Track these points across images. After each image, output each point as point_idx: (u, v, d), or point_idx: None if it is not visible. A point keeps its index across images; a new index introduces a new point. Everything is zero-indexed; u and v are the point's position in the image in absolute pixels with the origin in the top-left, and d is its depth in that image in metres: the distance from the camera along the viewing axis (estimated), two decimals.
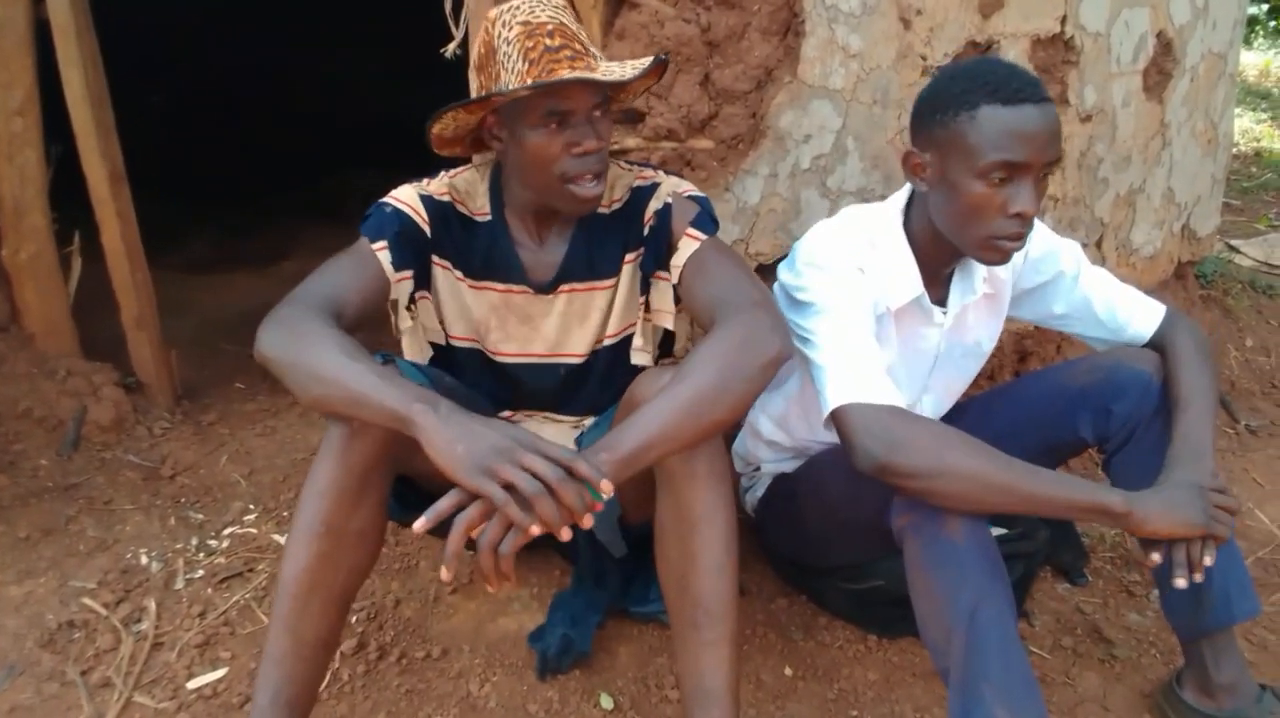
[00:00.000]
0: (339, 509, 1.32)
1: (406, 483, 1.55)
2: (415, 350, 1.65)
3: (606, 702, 1.64)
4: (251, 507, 2.18)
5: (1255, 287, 3.58)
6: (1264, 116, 6.69)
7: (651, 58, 1.42)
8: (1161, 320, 1.61)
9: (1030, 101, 1.35)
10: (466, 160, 1.64)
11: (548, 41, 1.34)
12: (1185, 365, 1.54)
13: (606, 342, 1.63)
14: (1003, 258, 1.44)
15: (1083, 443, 1.62)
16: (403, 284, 1.52)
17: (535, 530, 1.11)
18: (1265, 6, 11.14)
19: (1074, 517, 1.32)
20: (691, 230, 1.50)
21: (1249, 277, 3.67)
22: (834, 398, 1.38)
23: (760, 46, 1.95)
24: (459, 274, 1.59)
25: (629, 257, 1.58)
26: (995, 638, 1.29)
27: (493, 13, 1.38)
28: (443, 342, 1.65)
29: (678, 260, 1.51)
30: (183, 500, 2.21)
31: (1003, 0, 1.95)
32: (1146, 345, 1.61)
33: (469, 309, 1.62)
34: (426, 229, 1.54)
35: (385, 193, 1.54)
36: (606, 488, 1.12)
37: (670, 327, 1.63)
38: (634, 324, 1.62)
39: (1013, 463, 1.32)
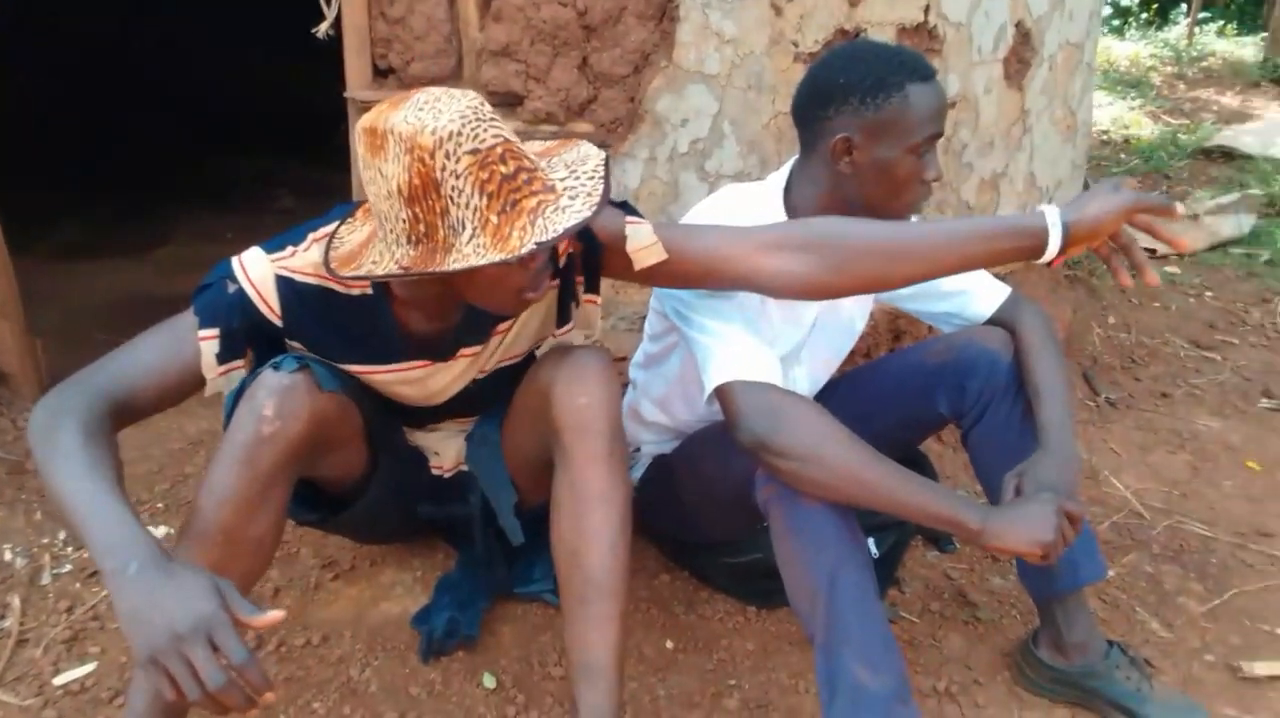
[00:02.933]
0: (238, 518, 1.26)
1: (306, 482, 1.49)
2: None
3: (489, 681, 1.65)
4: None
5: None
6: (1134, 105, 7.01)
7: (601, 155, 1.27)
8: (1005, 299, 1.69)
9: (934, 76, 1.45)
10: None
11: (502, 169, 1.15)
12: (1036, 349, 1.59)
13: (506, 363, 1.55)
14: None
15: (941, 418, 1.68)
16: (234, 374, 1.34)
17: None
18: None
19: (931, 525, 1.37)
20: (630, 219, 1.39)
21: None
22: (716, 375, 1.40)
23: (637, 31, 1.97)
24: (328, 360, 1.41)
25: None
26: (854, 602, 1.35)
27: (422, 138, 1.12)
28: None
29: (635, 246, 1.38)
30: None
31: None
32: (991, 322, 1.68)
33: (348, 375, 1.44)
34: (276, 320, 1.35)
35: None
36: (269, 698, 1.04)
37: (586, 343, 1.56)
38: (523, 352, 1.55)
39: (883, 464, 1.34)
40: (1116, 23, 11.00)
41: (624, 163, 2.02)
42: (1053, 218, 1.29)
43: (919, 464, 1.95)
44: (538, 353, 1.56)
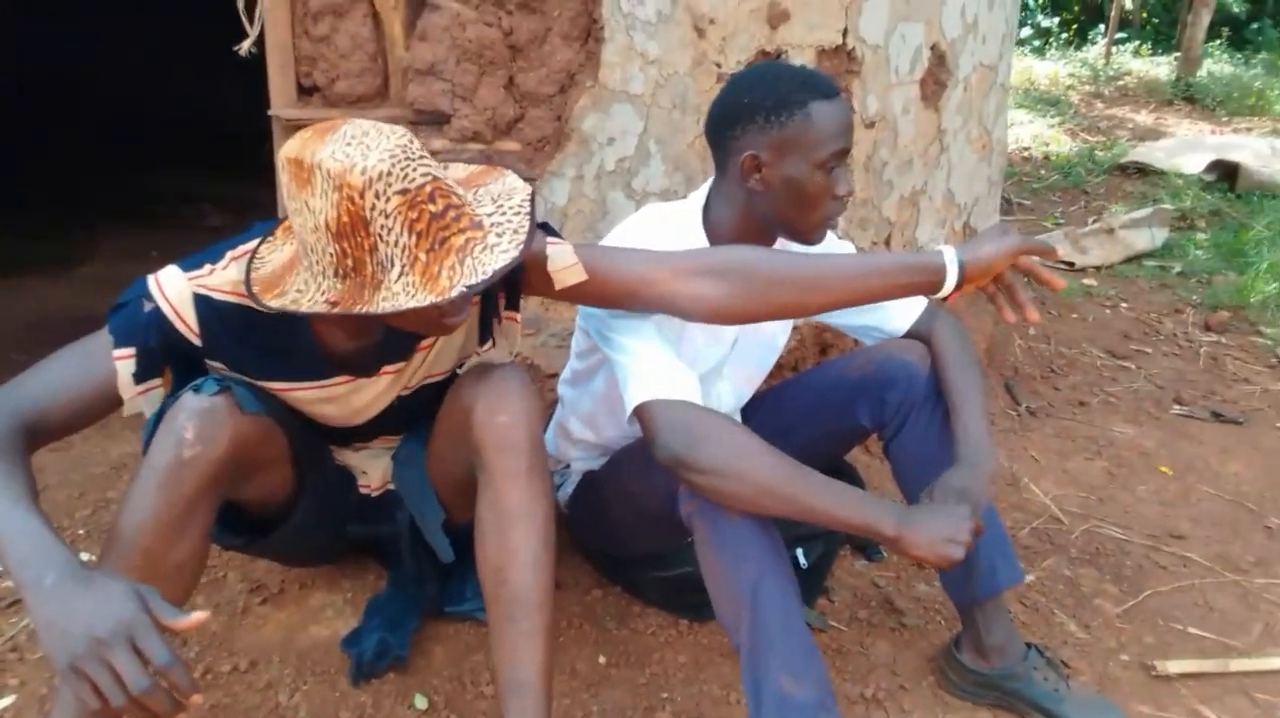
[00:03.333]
0: (159, 543, 1.23)
1: (232, 505, 1.47)
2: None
3: (421, 702, 1.64)
4: None
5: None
6: (1053, 122, 7.25)
7: (527, 189, 1.30)
8: (922, 312, 1.74)
9: (838, 93, 1.49)
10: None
11: (431, 208, 1.16)
12: (951, 359, 1.65)
13: (427, 382, 1.56)
14: (823, 237, 1.57)
15: (863, 429, 1.73)
16: (152, 394, 1.33)
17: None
18: (1057, 20, 12.07)
19: (849, 531, 1.40)
20: (551, 239, 1.41)
21: None
22: (637, 394, 1.42)
23: (562, 51, 2.00)
24: (249, 379, 1.40)
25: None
26: (777, 612, 1.38)
27: (351, 177, 1.12)
28: None
29: (557, 265, 1.39)
30: None
31: (788, 13, 2.06)
32: (909, 334, 1.73)
33: (270, 396, 1.43)
34: (194, 339, 1.33)
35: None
36: (196, 700, 1.04)
37: (506, 361, 1.55)
38: (446, 369, 1.56)
39: (799, 474, 1.36)
40: (1038, 43, 11.36)
41: (551, 181, 2.04)
42: (950, 257, 1.38)
43: (846, 475, 1.99)
44: (460, 371, 1.57)
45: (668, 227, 1.59)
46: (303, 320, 1.37)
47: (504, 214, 1.24)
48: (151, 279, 1.32)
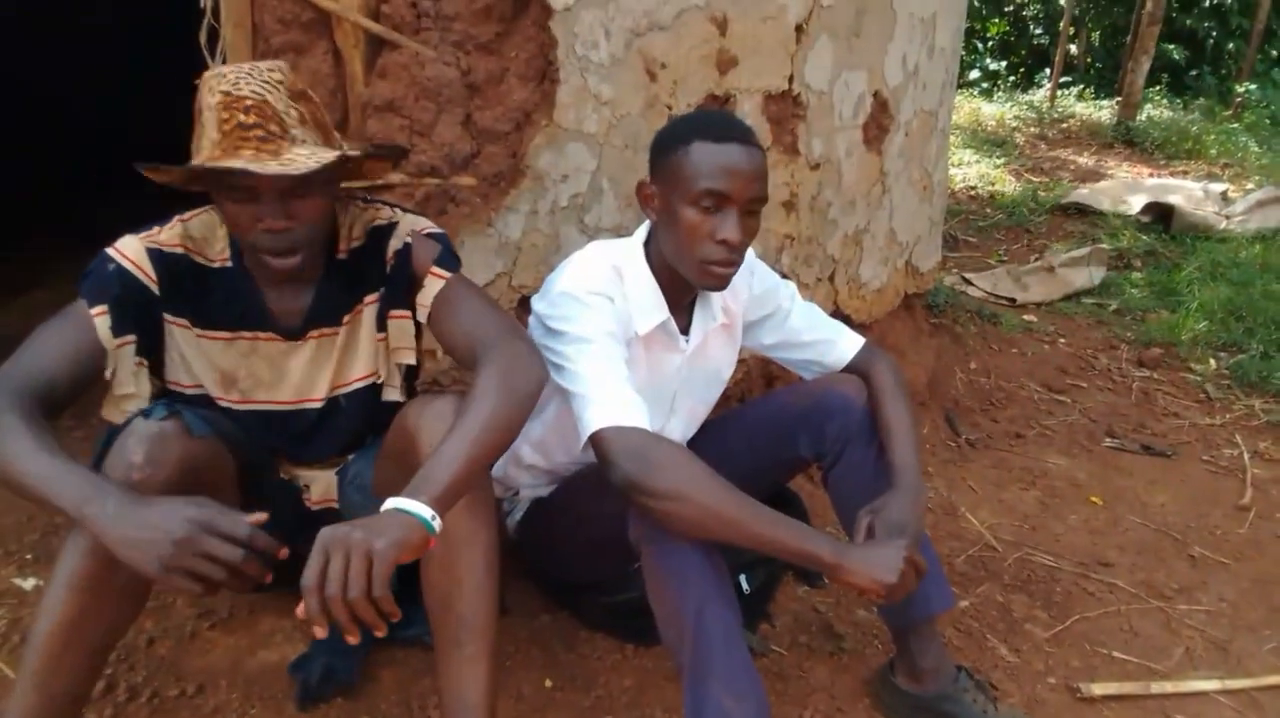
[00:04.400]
0: (105, 564, 1.25)
1: None
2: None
3: None
4: None
5: (982, 315, 4.02)
6: (999, 163, 7.46)
7: (337, 154, 1.40)
8: (860, 349, 1.82)
9: (737, 141, 1.54)
10: (205, 198, 1.54)
11: (242, 118, 1.33)
12: (887, 395, 1.73)
13: (343, 390, 1.63)
14: (717, 282, 1.59)
15: (803, 460, 1.80)
16: (124, 349, 1.46)
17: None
18: (1004, 63, 12.43)
19: (791, 559, 1.47)
20: (435, 269, 1.54)
21: (977, 306, 4.12)
22: (593, 422, 1.47)
23: (519, 91, 2.06)
24: (197, 330, 1.54)
25: (368, 298, 1.59)
26: (719, 635, 1.43)
27: (210, 72, 1.38)
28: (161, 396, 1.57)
29: (424, 299, 1.55)
30: None
31: (736, 59, 2.15)
32: (848, 369, 1.81)
33: (213, 361, 1.56)
34: (154, 287, 1.49)
35: (164, 221, 1.50)
36: (283, 553, 1.22)
37: (413, 362, 1.66)
38: (374, 373, 1.64)
39: (746, 503, 1.43)
40: (986, 85, 11.67)
41: (507, 216, 2.09)
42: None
43: (791, 502, 2.06)
44: (381, 383, 1.65)
45: (612, 262, 1.65)
46: (241, 274, 1.53)
47: (311, 160, 1.36)
48: (110, 248, 1.48)
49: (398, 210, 1.61)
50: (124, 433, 1.33)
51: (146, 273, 1.47)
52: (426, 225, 1.59)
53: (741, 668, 1.44)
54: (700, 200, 1.52)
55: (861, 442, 1.72)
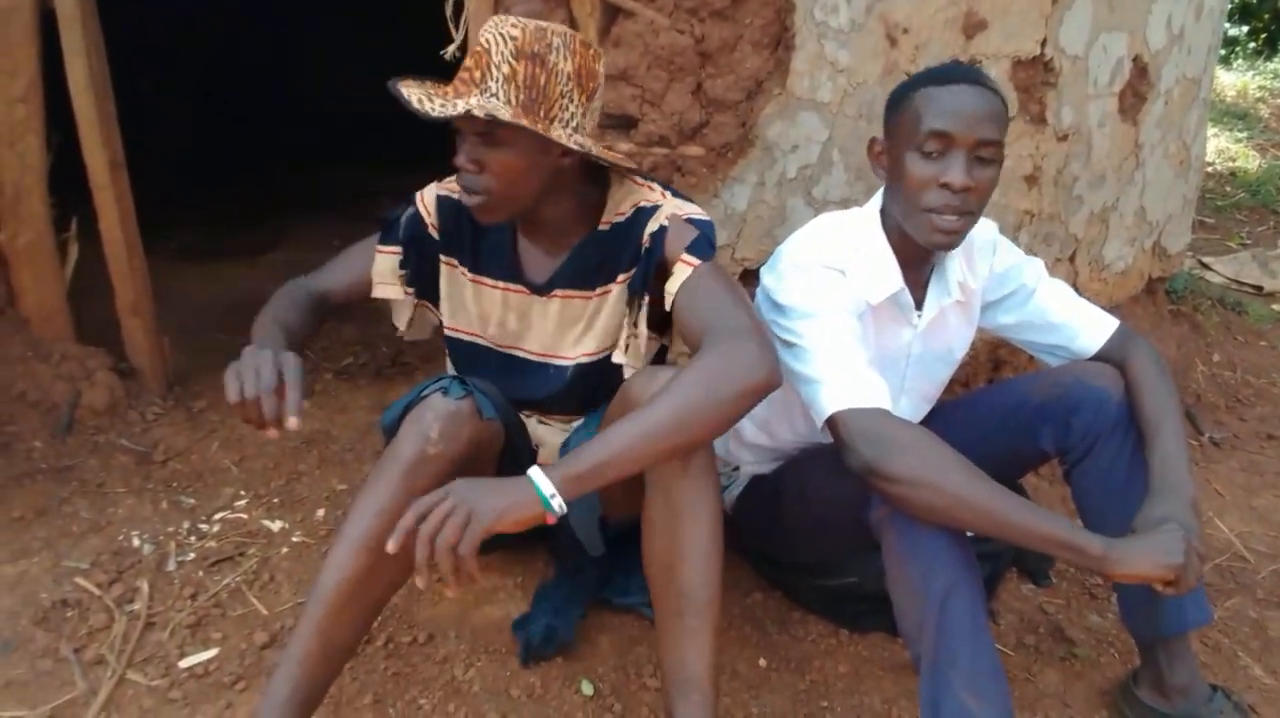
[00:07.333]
0: (385, 528, 1.29)
1: None
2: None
3: (587, 688, 1.69)
4: (242, 493, 2.22)
5: (1224, 303, 3.68)
6: (1240, 136, 6.80)
7: (508, 119, 1.36)
8: (1113, 333, 1.68)
9: (964, 81, 1.45)
10: None
11: (468, 61, 1.42)
12: (1148, 386, 1.58)
13: (587, 359, 1.65)
14: (944, 238, 1.49)
15: (1044, 454, 1.68)
16: (403, 287, 1.67)
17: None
18: (1245, 28, 11.32)
19: (1047, 550, 1.35)
20: (687, 256, 1.47)
21: (1219, 293, 3.77)
22: (830, 404, 1.42)
23: (751, 58, 2.01)
24: (465, 271, 1.67)
25: (620, 276, 1.58)
26: (965, 626, 1.35)
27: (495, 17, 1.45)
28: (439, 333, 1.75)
29: (671, 286, 1.48)
30: (174, 485, 2.25)
31: (986, 21, 2.02)
32: (1098, 357, 1.67)
33: (473, 304, 1.68)
34: (435, 233, 1.65)
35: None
36: (293, 424, 1.25)
37: (645, 349, 1.62)
38: (617, 348, 1.62)
39: (998, 490, 1.34)
40: (1223, 52, 10.68)
41: (733, 187, 2.06)
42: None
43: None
44: (617, 357, 1.62)
45: (845, 233, 1.59)
46: (506, 227, 1.63)
47: (489, 102, 1.39)
48: (419, 191, 1.68)
49: (667, 193, 1.57)
50: (421, 407, 1.42)
51: (430, 218, 1.65)
52: (691, 210, 1.54)
53: (987, 665, 1.35)
54: (924, 145, 1.45)
55: (1115, 437, 1.58)
